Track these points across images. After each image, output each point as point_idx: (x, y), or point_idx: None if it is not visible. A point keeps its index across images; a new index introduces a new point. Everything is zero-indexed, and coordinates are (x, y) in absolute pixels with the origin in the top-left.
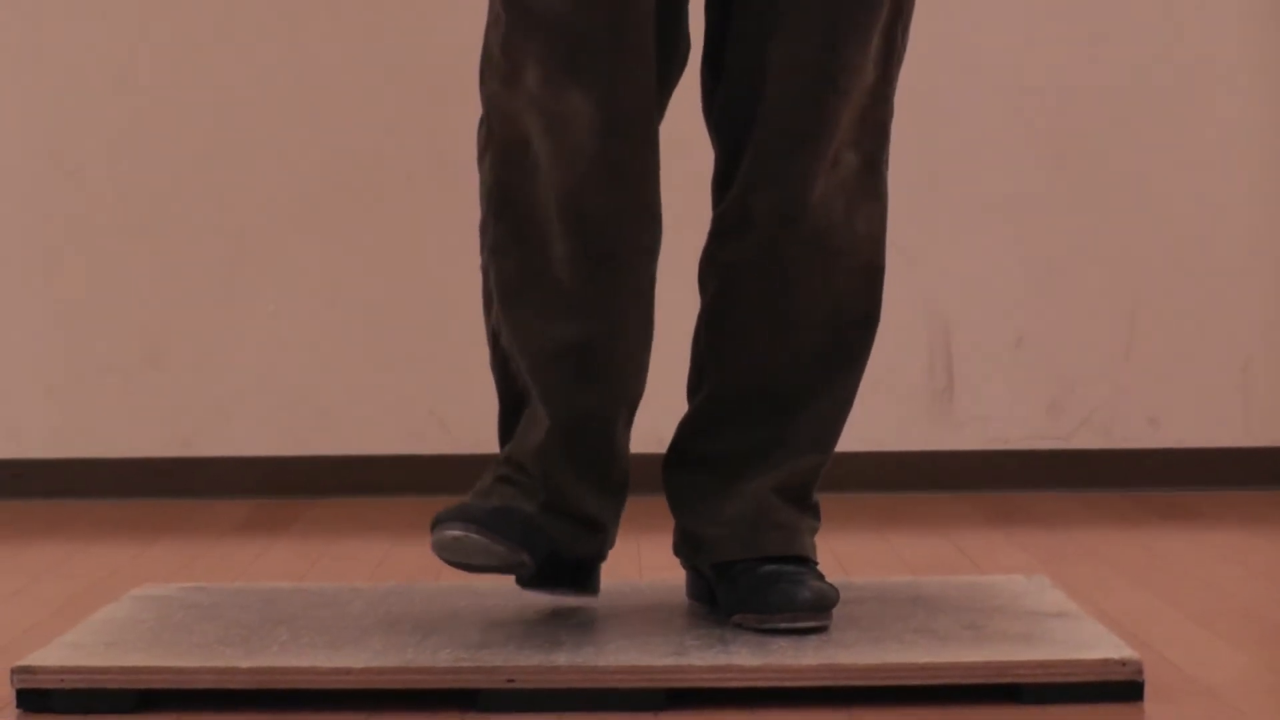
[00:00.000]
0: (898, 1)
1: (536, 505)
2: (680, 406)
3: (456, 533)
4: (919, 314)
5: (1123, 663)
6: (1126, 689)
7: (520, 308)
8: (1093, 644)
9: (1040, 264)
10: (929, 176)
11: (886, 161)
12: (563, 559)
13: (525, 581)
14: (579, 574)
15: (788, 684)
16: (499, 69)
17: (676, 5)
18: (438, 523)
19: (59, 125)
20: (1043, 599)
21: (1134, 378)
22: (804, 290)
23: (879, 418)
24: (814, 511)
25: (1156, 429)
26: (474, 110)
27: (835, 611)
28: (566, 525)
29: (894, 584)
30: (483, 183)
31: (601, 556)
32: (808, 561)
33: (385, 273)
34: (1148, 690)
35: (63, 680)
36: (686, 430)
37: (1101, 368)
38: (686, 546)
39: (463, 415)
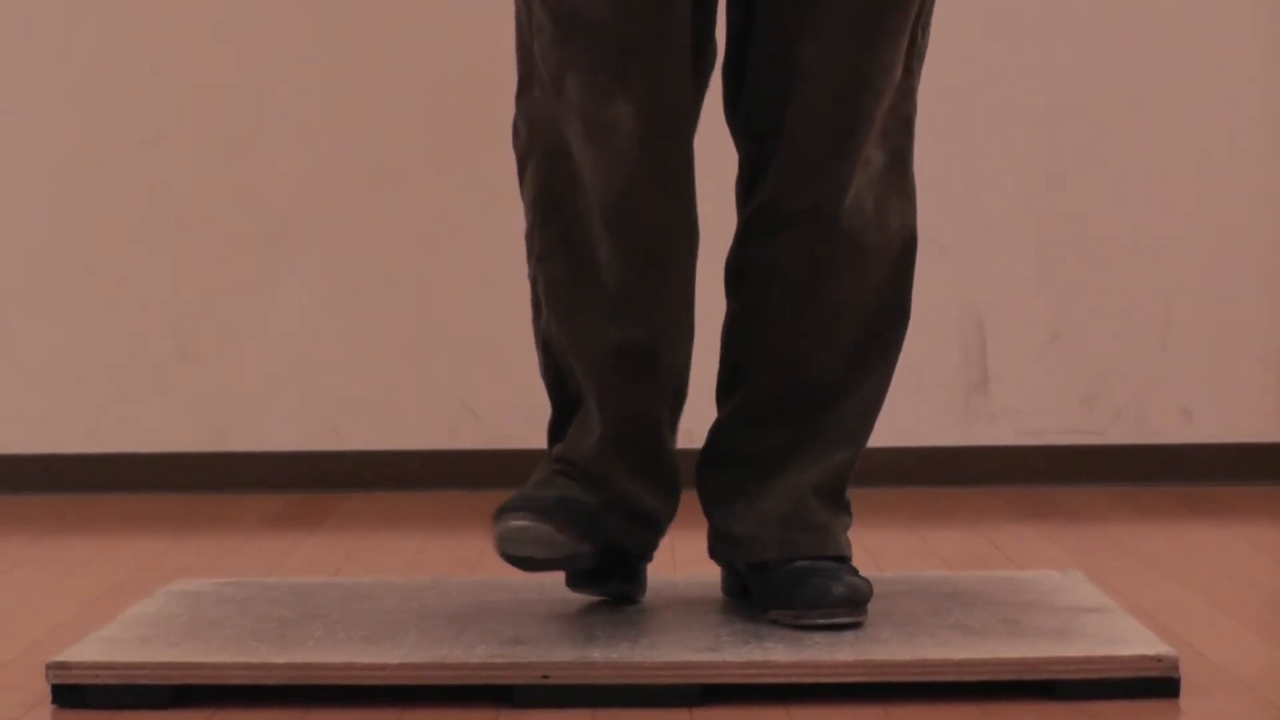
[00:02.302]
0: None
1: (595, 501)
2: (703, 399)
3: (523, 522)
4: (953, 308)
5: (1158, 659)
6: (1162, 685)
7: (570, 314)
8: (1128, 640)
9: (1074, 258)
10: (963, 170)
11: (912, 157)
12: (615, 554)
13: (575, 580)
14: (627, 571)
15: (823, 680)
16: (540, 78)
17: (709, 11)
18: (502, 513)
19: (90, 117)
20: (1077, 594)
21: (1167, 371)
22: (837, 288)
23: (913, 412)
24: (847, 509)
25: (1190, 422)
26: (506, 102)
27: (869, 607)
28: (624, 521)
29: (928, 579)
30: (525, 191)
31: (648, 556)
32: (844, 560)
33: (417, 266)
34: (1182, 684)
35: (97, 676)
36: (721, 432)
37: (1135, 361)
38: (722, 546)
39: (495, 409)
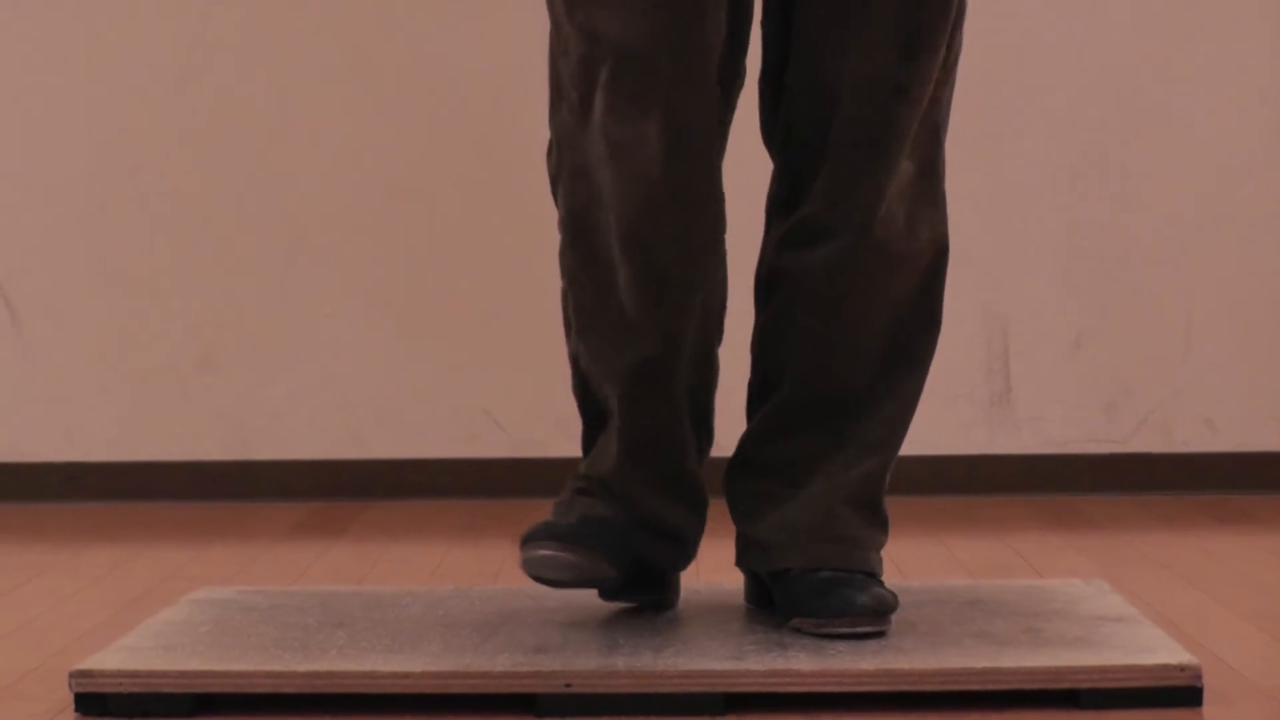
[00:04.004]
0: (959, 7)
1: (619, 518)
2: (734, 410)
3: (546, 551)
4: (977, 316)
5: (1181, 668)
6: (1185, 694)
7: (594, 334)
8: (1151, 649)
9: (1096, 266)
10: (986, 179)
11: (942, 166)
12: (645, 568)
13: (607, 592)
14: (659, 583)
15: (846, 689)
16: (568, 98)
17: (740, 32)
18: (526, 541)
19: (115, 127)
20: (1101, 603)
21: (1191, 380)
22: (870, 298)
23: (937, 421)
24: (882, 524)
25: (1213, 431)
26: (533, 113)
27: (893, 615)
28: (650, 538)
29: (952, 588)
30: (558, 210)
31: (681, 567)
32: (871, 575)
33: (441, 275)
34: (1205, 694)
35: (120, 684)
36: (751, 440)
37: (1159, 370)
38: (749, 553)
39: (519, 418)
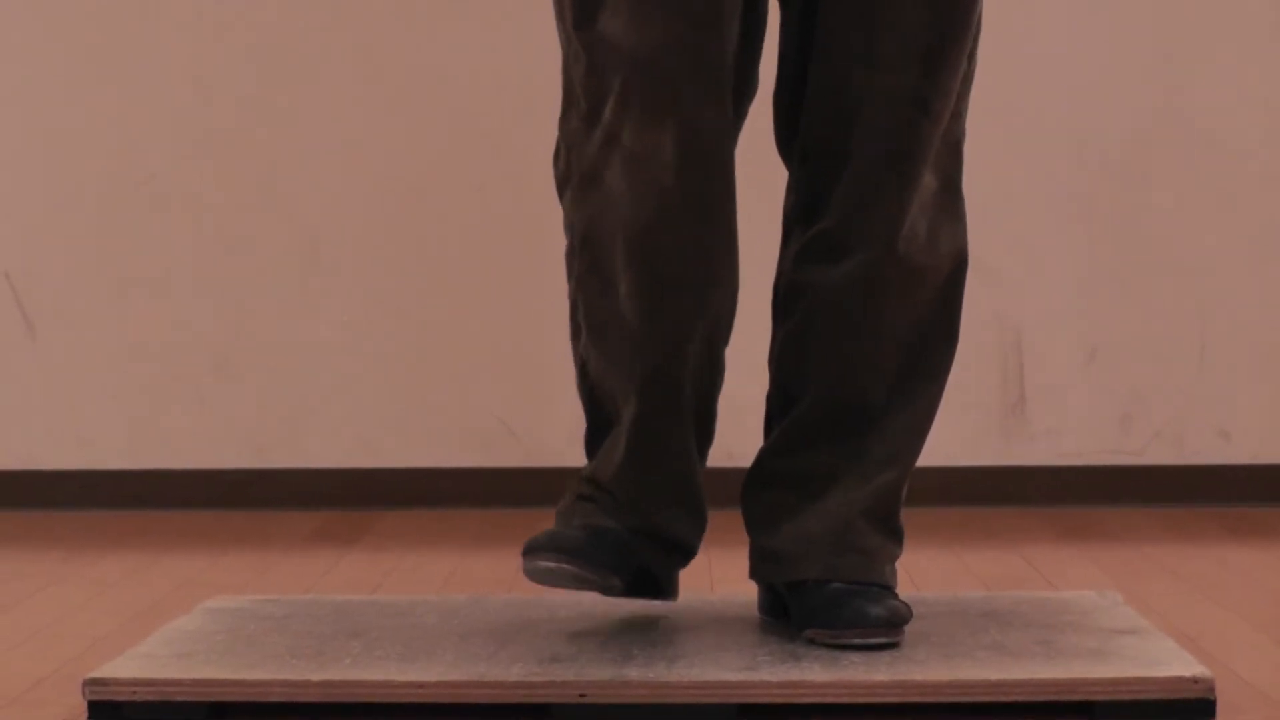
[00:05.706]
0: (978, 21)
1: (622, 525)
2: (745, 418)
3: (549, 564)
4: (991, 328)
5: (1195, 680)
6: (1199, 707)
7: (603, 340)
8: (1165, 661)
9: (1112, 277)
10: (1001, 190)
11: (961, 180)
12: (647, 573)
13: (607, 593)
14: (659, 585)
15: (859, 700)
16: (579, 106)
17: (753, 44)
18: (529, 551)
19: (130, 133)
20: (1115, 615)
21: (1205, 391)
22: (890, 312)
23: (952, 432)
24: (897, 537)
25: (1228, 443)
26: (546, 121)
27: (907, 626)
28: (652, 545)
29: (966, 599)
30: (566, 216)
31: (681, 568)
32: (886, 588)
33: (456, 284)
34: (1219, 706)
35: (135, 692)
36: (769, 452)
37: (1174, 381)
38: (764, 565)
39: (533, 427)
